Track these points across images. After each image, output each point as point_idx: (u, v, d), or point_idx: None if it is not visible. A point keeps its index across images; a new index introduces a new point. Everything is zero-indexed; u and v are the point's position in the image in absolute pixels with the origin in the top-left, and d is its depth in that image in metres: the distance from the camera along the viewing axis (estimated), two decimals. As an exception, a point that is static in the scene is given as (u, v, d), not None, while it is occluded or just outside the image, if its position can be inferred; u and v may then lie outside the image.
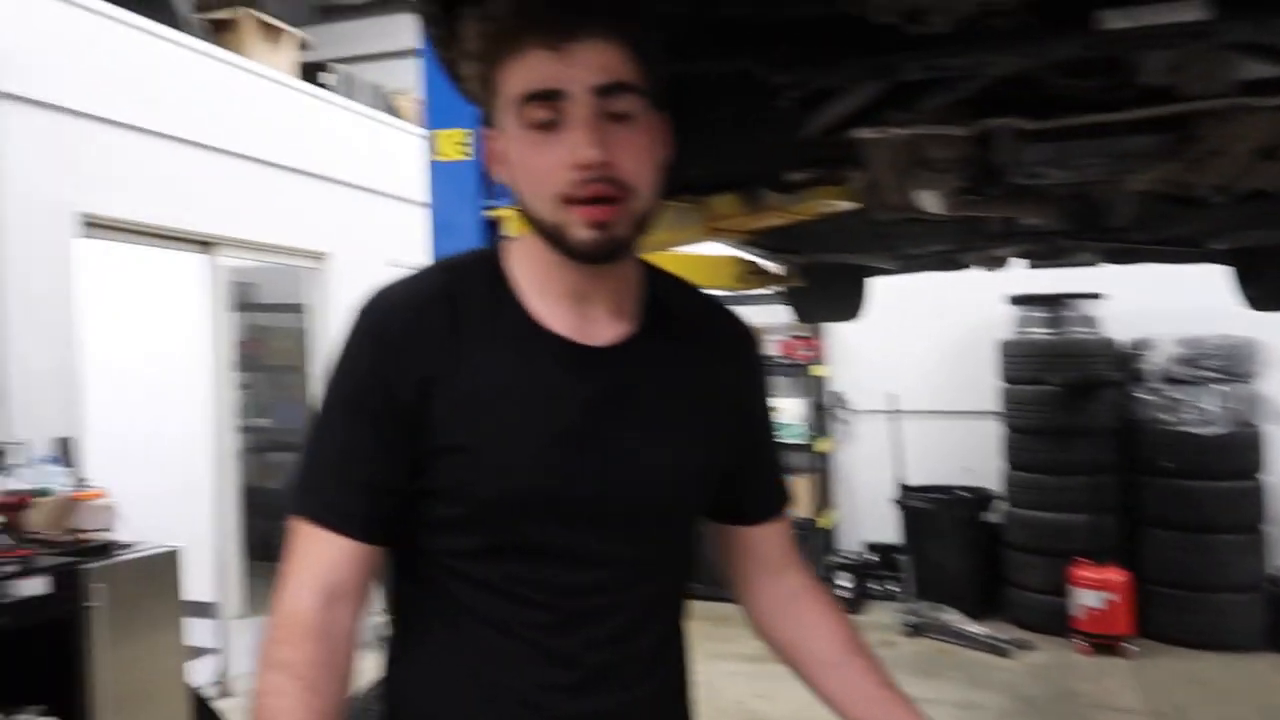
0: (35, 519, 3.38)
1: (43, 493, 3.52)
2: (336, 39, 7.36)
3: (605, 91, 0.91)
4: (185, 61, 4.62)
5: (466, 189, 2.80)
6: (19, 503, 3.29)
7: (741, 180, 1.81)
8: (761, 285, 3.16)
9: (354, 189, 5.62)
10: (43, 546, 3.31)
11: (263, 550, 5.52)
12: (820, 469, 6.35)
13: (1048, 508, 5.21)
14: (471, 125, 2.73)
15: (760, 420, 1.18)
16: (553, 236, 0.95)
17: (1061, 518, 5.15)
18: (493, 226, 2.75)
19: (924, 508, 5.68)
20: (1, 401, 3.62)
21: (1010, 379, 5.45)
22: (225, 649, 4.65)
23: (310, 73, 5.84)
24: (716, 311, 1.16)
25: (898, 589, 5.81)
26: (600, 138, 0.90)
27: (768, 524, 1.18)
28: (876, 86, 1.22)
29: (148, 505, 3.86)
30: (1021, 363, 5.37)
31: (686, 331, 1.09)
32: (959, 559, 5.53)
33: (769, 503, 1.19)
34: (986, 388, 5.67)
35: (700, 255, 3.08)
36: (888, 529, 6.00)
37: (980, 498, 5.71)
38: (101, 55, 4.14)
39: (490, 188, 2.84)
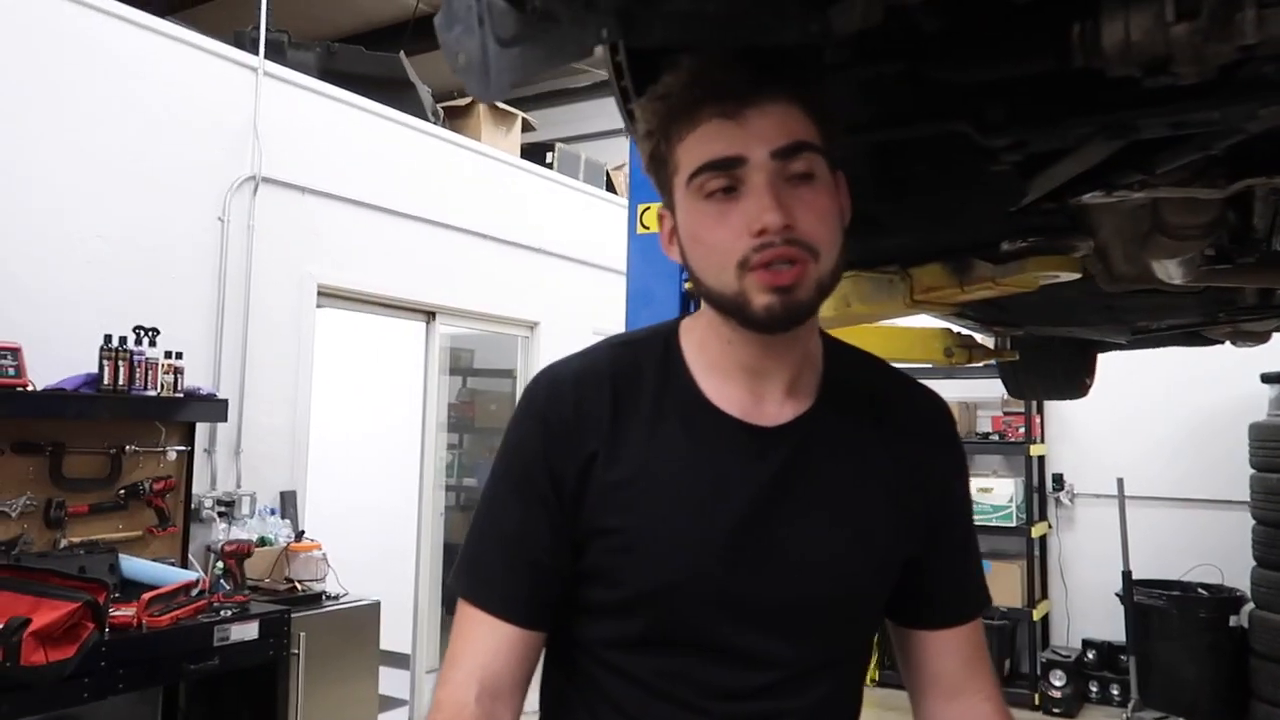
0: (255, 567, 3.63)
1: (264, 542, 3.79)
2: (561, 120, 7.79)
3: (784, 153, 0.88)
4: (420, 144, 4.98)
5: (666, 261, 2.81)
6: (242, 551, 3.54)
7: (950, 249, 1.69)
8: (973, 360, 2.96)
9: (565, 260, 5.83)
10: (259, 594, 3.54)
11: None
12: (1034, 555, 5.86)
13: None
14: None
15: (953, 509, 1.06)
16: (733, 308, 0.90)
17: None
18: (692, 300, 2.75)
19: (1155, 605, 5.11)
20: (236, 455, 3.95)
21: (1261, 466, 4.85)
22: (415, 700, 4.79)
23: (534, 152, 6.18)
24: (903, 386, 1.07)
25: (1119, 693, 5.23)
26: (781, 200, 0.86)
27: (950, 631, 1.04)
28: (1108, 147, 1.10)
29: (357, 558, 4.08)
30: (1276, 448, 4.77)
31: (869, 408, 1.01)
32: (1195, 665, 4.92)
33: (955, 606, 1.06)
34: (1233, 475, 5.07)
35: (905, 328, 2.94)
36: (1109, 626, 5.44)
37: (1222, 597, 5.09)
38: (346, 139, 4.52)
39: (688, 258, 2.84)
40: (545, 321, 5.65)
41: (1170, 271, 1.67)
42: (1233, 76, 0.89)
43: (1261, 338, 2.79)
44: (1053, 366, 3.46)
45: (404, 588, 4.82)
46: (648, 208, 2.86)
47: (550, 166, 6.11)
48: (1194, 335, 2.89)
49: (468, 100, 5.69)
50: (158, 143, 3.71)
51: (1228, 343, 3.02)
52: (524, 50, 0.97)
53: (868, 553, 0.97)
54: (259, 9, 4.13)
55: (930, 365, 3.32)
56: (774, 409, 0.97)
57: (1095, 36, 0.89)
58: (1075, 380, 3.62)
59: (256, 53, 4.10)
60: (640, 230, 2.86)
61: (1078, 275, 1.55)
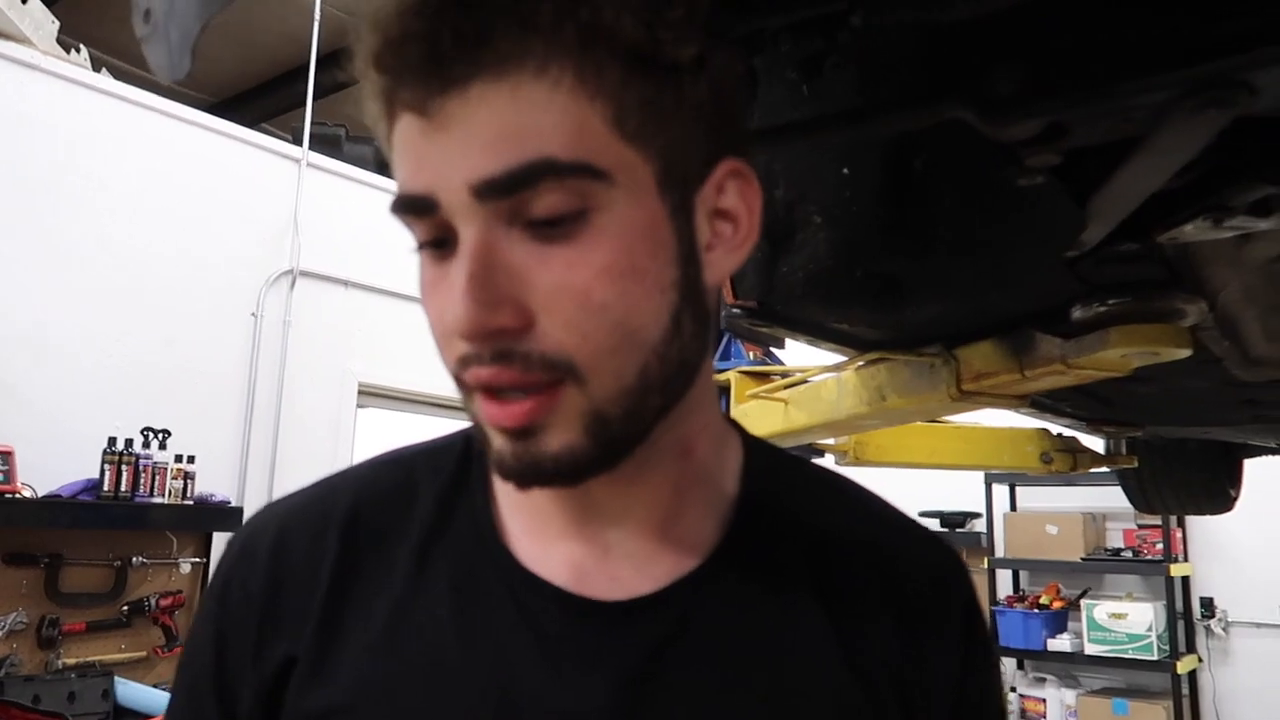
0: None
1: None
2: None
3: (500, 188, 0.47)
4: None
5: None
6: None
7: (1005, 321, 1.23)
8: (1077, 468, 2.41)
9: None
10: None
11: None
12: (1182, 695, 4.99)
13: None
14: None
15: None
16: (479, 435, 0.54)
17: None
18: (723, 393, 2.33)
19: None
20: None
21: None
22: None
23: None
24: (880, 529, 0.63)
25: None
26: (490, 277, 0.48)
27: None
28: (1201, 130, 0.65)
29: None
30: None
31: (812, 567, 0.59)
32: None
33: None
34: None
35: (988, 429, 2.42)
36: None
37: None
38: (393, 231, 4.33)
39: (718, 348, 2.44)
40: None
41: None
42: None
43: None
44: (1186, 475, 2.85)
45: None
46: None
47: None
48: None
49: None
50: (192, 237, 3.57)
51: None
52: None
53: None
54: (306, 100, 4.03)
55: (1029, 473, 2.77)
56: (630, 569, 0.57)
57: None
58: (1216, 492, 2.98)
59: (314, 148, 3.99)
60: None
61: (1187, 352, 1.07)
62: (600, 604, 0.55)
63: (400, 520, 0.60)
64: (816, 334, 1.34)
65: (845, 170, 1.10)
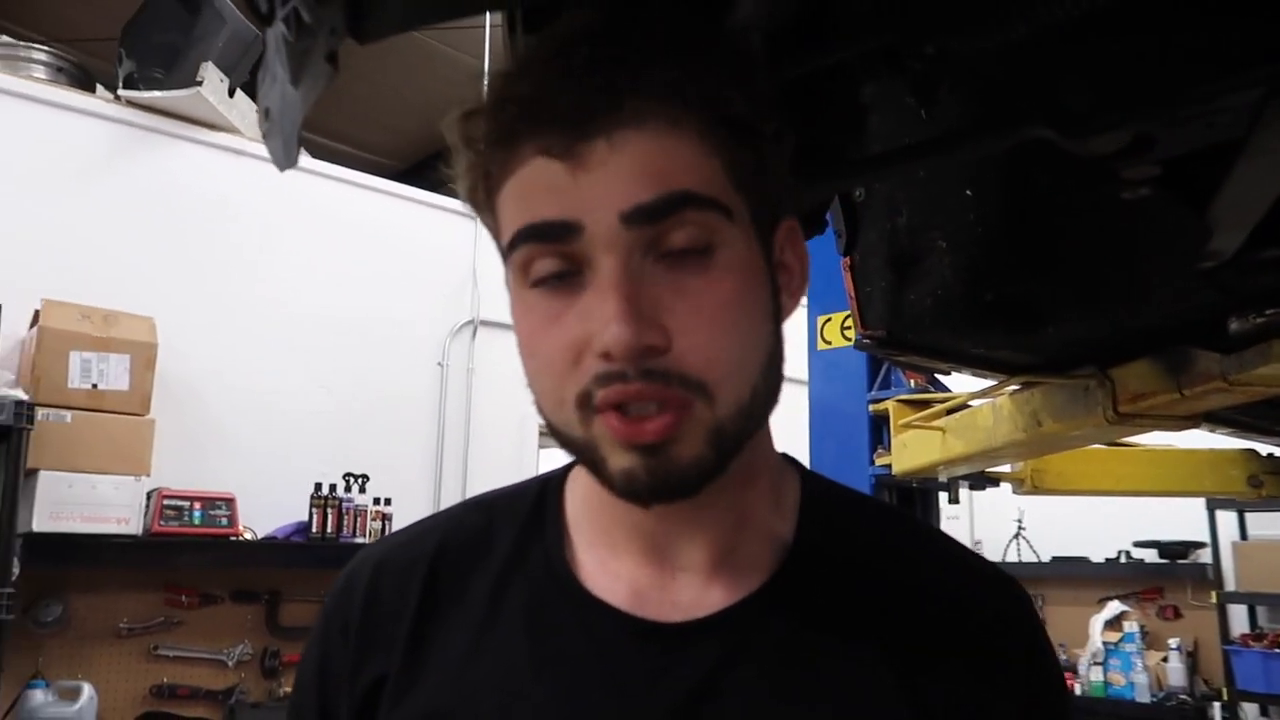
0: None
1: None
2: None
3: (647, 215, 0.52)
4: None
5: (852, 378, 2.37)
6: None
7: (1158, 338, 1.15)
8: (1294, 490, 2.17)
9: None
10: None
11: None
12: None
13: None
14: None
15: None
16: (587, 462, 0.58)
17: None
18: (882, 421, 2.27)
19: None
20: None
21: None
22: None
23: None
24: (942, 564, 0.64)
25: None
26: (640, 300, 0.52)
27: None
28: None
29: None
30: None
31: (868, 599, 0.61)
32: None
33: None
34: None
35: (1187, 451, 2.23)
36: None
37: None
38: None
39: (877, 376, 2.38)
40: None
41: None
42: None
43: None
44: None
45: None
46: (829, 319, 2.45)
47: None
48: None
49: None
50: (384, 296, 3.86)
51: None
52: (304, 84, 0.70)
53: None
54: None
55: (1236, 498, 2.53)
56: (691, 594, 0.60)
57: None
58: None
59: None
60: (821, 346, 2.45)
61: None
62: (660, 625, 0.59)
63: (481, 558, 0.64)
64: (954, 359, 1.29)
65: (969, 193, 1.07)
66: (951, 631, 0.59)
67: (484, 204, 0.59)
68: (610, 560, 0.62)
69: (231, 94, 3.42)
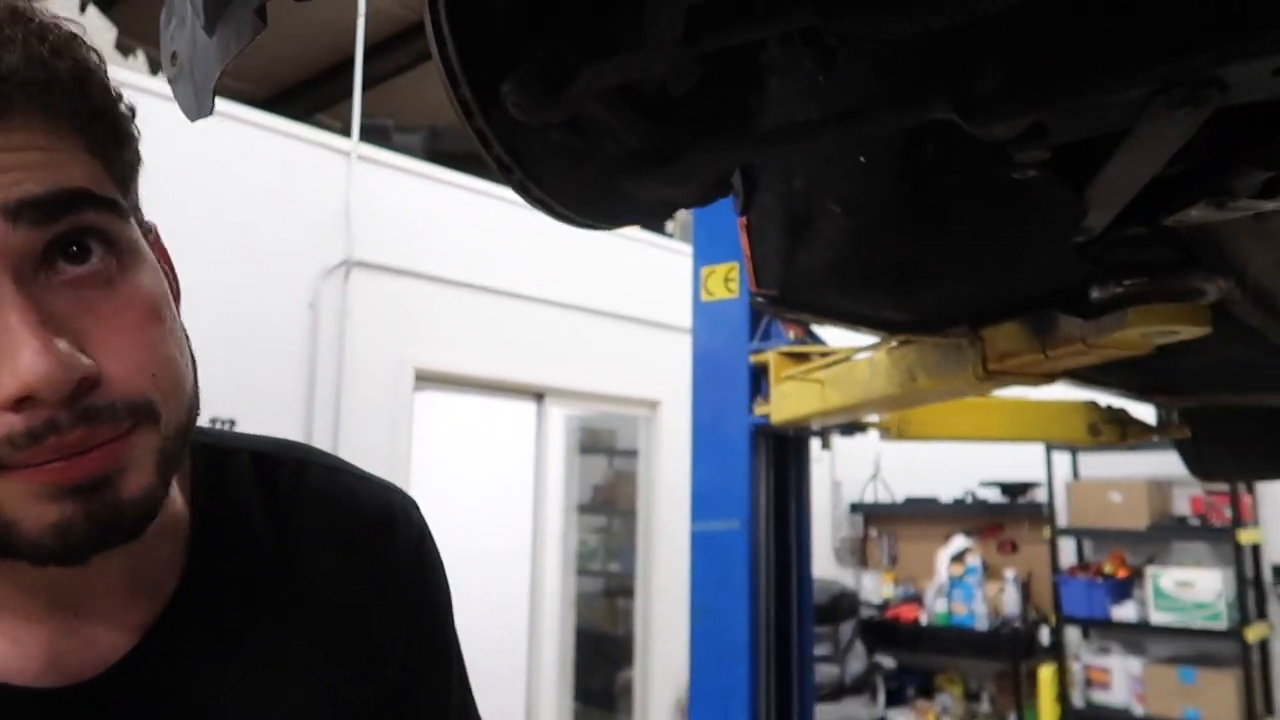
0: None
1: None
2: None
3: (41, 212, 0.46)
4: (525, 220, 4.81)
5: (732, 328, 2.44)
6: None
7: (1028, 302, 1.24)
8: (1127, 437, 2.38)
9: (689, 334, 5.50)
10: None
11: (604, 698, 5.40)
12: (1252, 663, 4.89)
13: None
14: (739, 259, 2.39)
15: (422, 685, 0.68)
16: None
17: None
18: (761, 372, 2.35)
19: None
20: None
21: None
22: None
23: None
24: (330, 498, 0.67)
25: None
26: (51, 324, 0.45)
27: None
28: (1182, 124, 0.66)
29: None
30: None
31: (269, 559, 0.62)
32: None
33: None
34: None
35: (1037, 402, 2.41)
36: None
37: None
38: (445, 219, 4.42)
39: (758, 328, 2.45)
40: (668, 400, 5.31)
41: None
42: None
43: None
44: (1243, 442, 2.79)
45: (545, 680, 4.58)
46: (713, 271, 2.50)
47: (670, 236, 5.84)
48: None
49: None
50: (247, 233, 3.69)
51: None
52: (221, 31, 0.67)
53: None
54: (353, 95, 4.12)
55: (1082, 445, 2.75)
56: (101, 640, 0.54)
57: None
58: (1277, 458, 2.91)
59: (363, 140, 4.07)
60: (705, 297, 2.50)
61: (1206, 330, 1.06)
62: (75, 689, 0.52)
63: None
64: (841, 319, 1.35)
65: (862, 160, 1.12)
66: (346, 563, 0.64)
67: None
68: (13, 623, 0.52)
69: (83, 9, 3.17)
